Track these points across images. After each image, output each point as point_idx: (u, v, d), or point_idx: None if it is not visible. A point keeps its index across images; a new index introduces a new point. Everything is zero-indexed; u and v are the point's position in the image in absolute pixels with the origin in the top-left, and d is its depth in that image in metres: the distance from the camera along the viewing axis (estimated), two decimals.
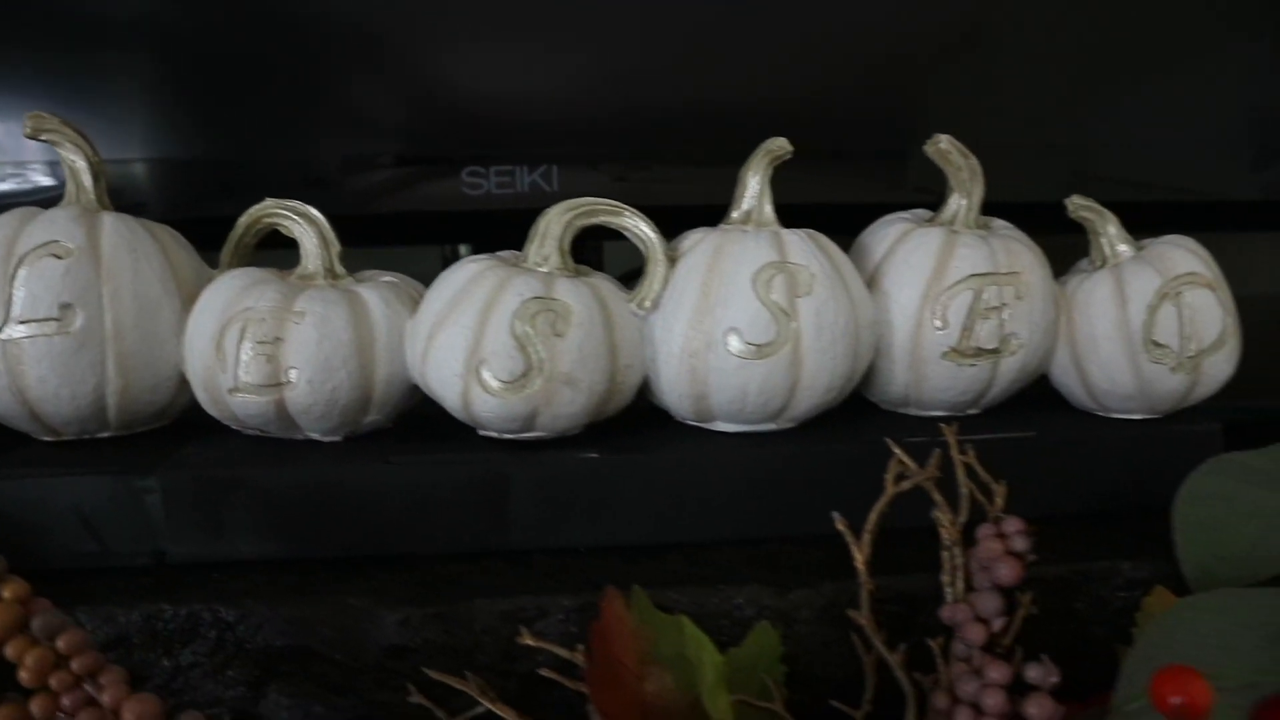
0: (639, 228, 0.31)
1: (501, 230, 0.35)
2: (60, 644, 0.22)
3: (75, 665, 0.22)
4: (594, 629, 0.24)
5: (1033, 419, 0.34)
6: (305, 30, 0.43)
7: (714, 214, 0.36)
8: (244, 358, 0.29)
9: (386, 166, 0.45)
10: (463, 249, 0.55)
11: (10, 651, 0.22)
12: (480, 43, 0.44)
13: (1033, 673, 0.25)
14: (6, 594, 0.23)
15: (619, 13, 0.44)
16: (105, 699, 0.22)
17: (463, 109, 0.45)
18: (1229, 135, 0.48)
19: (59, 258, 0.30)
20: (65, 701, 0.22)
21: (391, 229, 0.48)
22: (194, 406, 0.33)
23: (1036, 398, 0.35)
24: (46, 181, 0.43)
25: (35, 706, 0.22)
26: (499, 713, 0.25)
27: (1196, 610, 0.25)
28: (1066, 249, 0.37)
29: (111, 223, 0.31)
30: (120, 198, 0.34)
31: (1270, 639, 0.24)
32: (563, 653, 0.25)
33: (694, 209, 0.36)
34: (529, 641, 0.25)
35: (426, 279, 0.32)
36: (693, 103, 0.46)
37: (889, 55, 0.46)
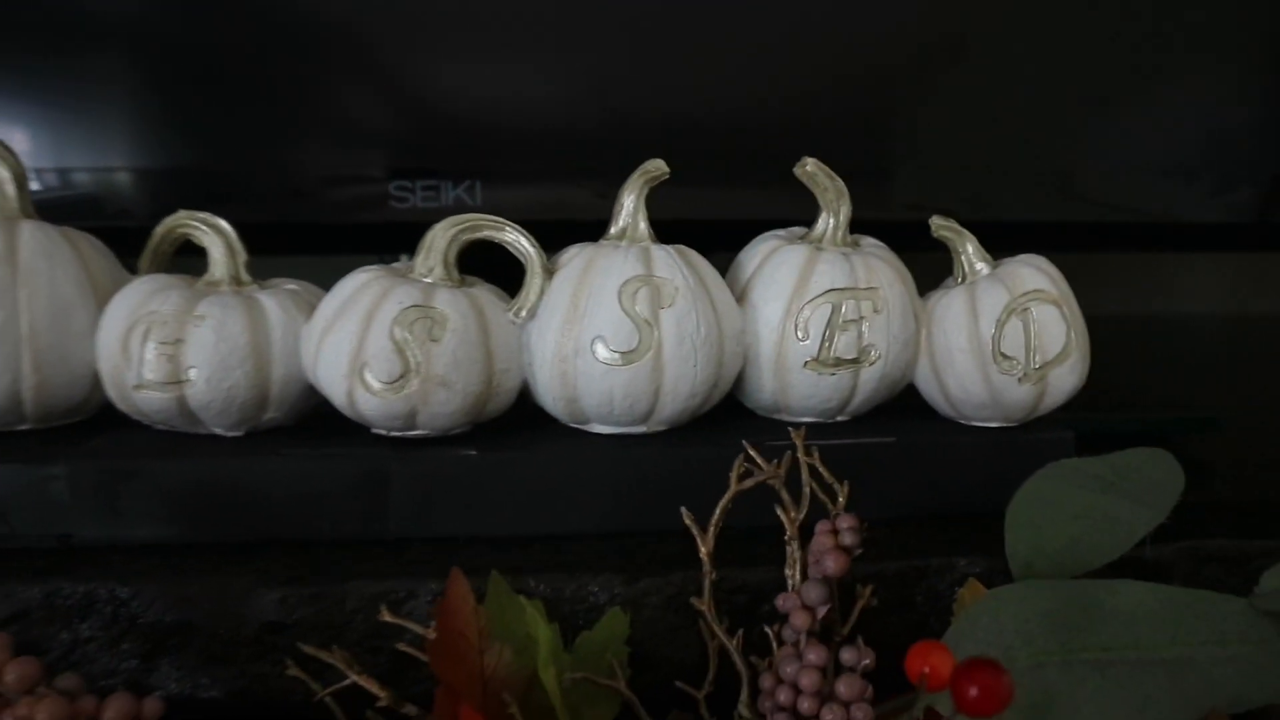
0: (519, 242, 0.34)
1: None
2: None
3: None
4: (440, 606, 0.27)
5: (897, 426, 0.36)
6: (283, 40, 0.46)
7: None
8: (148, 356, 0.32)
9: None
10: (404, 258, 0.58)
11: None
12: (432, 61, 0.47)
13: (846, 655, 0.27)
14: None
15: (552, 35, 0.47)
16: None
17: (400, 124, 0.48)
18: (1188, 159, 0.51)
19: None
20: None
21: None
22: (110, 402, 0.36)
23: (904, 407, 0.38)
24: None
25: None
26: (363, 684, 0.28)
27: (1000, 601, 0.28)
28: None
29: (30, 230, 0.34)
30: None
31: (1057, 625, 0.27)
32: (419, 630, 0.28)
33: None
34: (388, 618, 0.28)
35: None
36: (614, 123, 0.49)
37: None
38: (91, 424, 0.36)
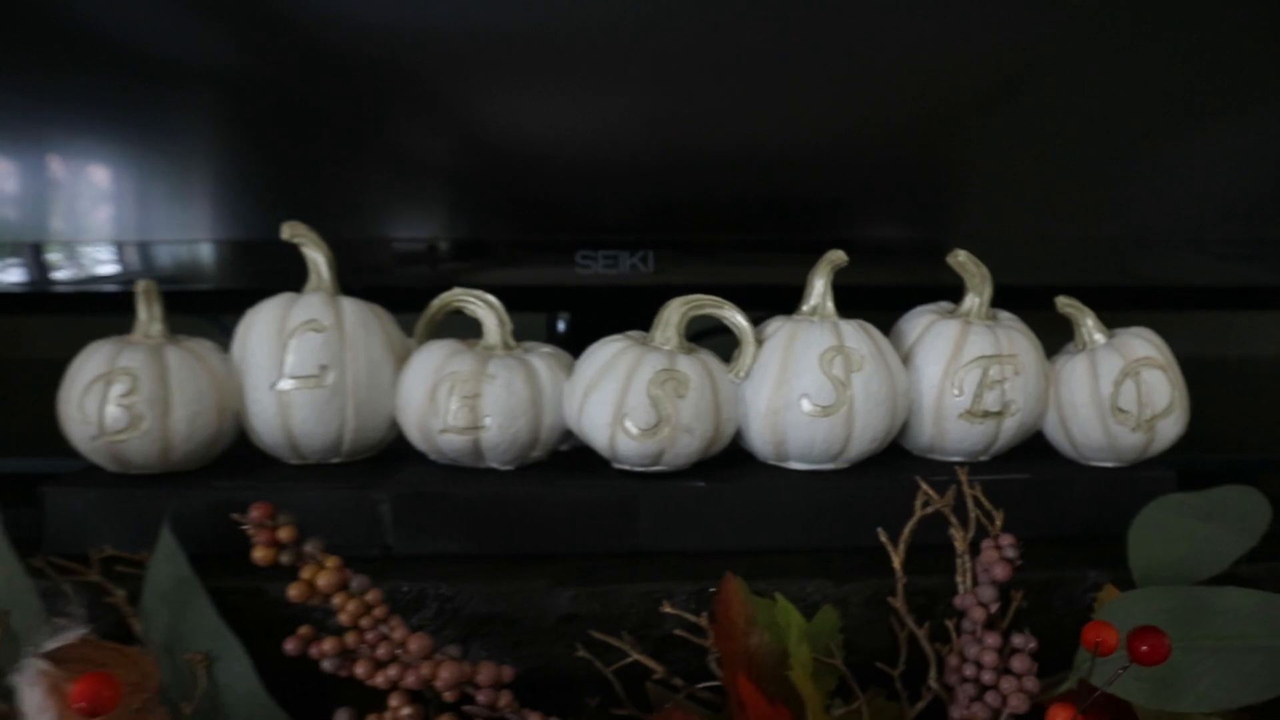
0: (734, 318, 0.44)
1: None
2: (368, 598, 0.35)
3: (376, 612, 0.35)
4: (718, 598, 0.36)
5: (1029, 464, 0.46)
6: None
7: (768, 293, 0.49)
8: (452, 407, 0.42)
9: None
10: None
11: (336, 601, 0.35)
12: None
13: (1016, 640, 0.37)
14: (329, 564, 0.35)
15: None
16: (396, 635, 0.35)
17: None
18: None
19: (318, 331, 0.43)
20: (368, 636, 0.35)
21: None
22: (395, 441, 0.46)
23: (1034, 449, 0.47)
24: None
25: (350, 639, 0.35)
26: (644, 661, 0.38)
27: (1132, 600, 0.37)
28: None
29: (349, 304, 0.44)
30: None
31: (1177, 619, 0.36)
32: (690, 618, 0.37)
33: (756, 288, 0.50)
34: (668, 610, 0.37)
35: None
36: (758, 201, 0.59)
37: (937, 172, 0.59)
38: (382, 459, 0.46)
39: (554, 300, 0.64)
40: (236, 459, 0.45)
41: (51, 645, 0.28)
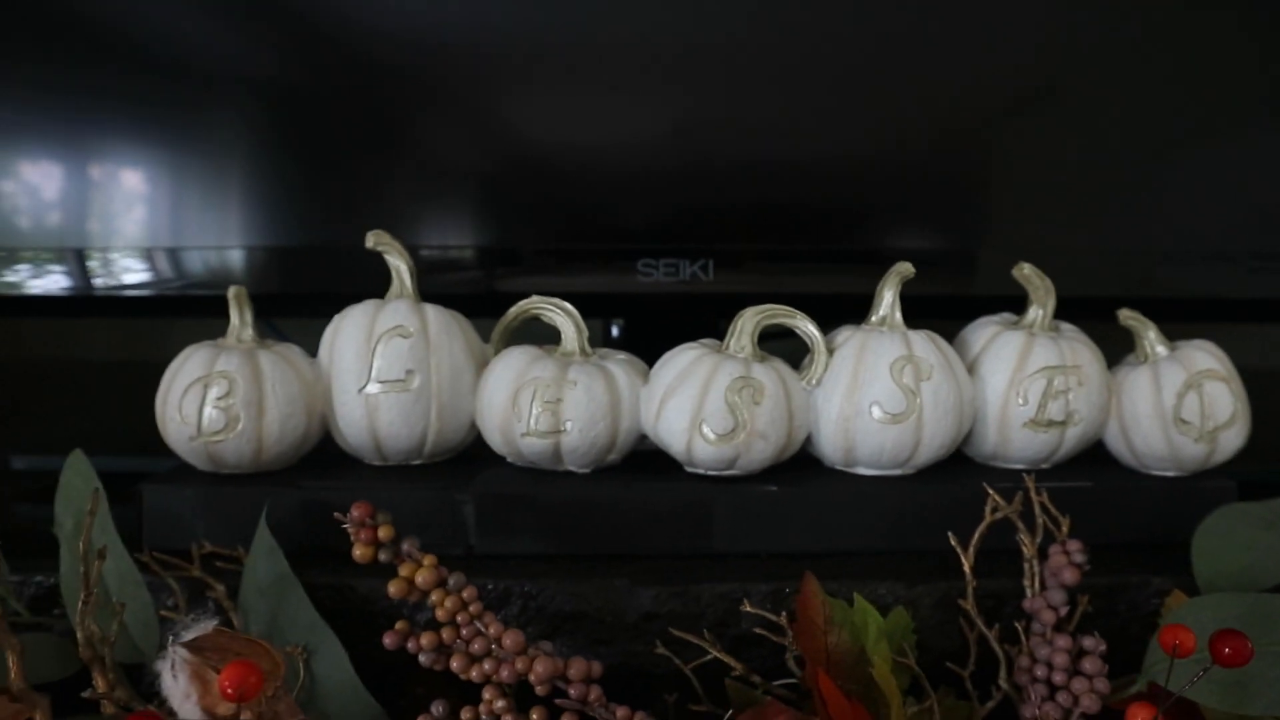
0: (806, 327, 0.45)
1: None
2: (464, 595, 0.37)
3: (472, 609, 0.37)
4: (799, 598, 0.38)
5: (1090, 473, 0.47)
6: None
7: (829, 301, 0.51)
8: (535, 412, 0.44)
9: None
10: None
11: (434, 598, 0.37)
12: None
13: (1087, 642, 0.38)
14: (426, 563, 0.37)
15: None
16: (490, 631, 0.37)
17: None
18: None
19: (404, 337, 0.45)
20: (463, 632, 0.37)
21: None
22: (473, 444, 0.48)
23: (1095, 457, 0.49)
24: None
25: (445, 634, 0.37)
26: (722, 658, 0.39)
27: (1200, 606, 0.39)
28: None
29: (433, 311, 0.46)
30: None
31: (1246, 625, 0.37)
32: (770, 617, 0.39)
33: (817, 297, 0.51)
34: (749, 609, 0.39)
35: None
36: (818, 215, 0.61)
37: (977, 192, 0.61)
38: (460, 461, 0.48)
39: (613, 308, 0.65)
40: (321, 460, 0.47)
41: (190, 635, 0.30)
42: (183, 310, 0.63)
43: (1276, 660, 0.37)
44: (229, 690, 0.27)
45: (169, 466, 0.47)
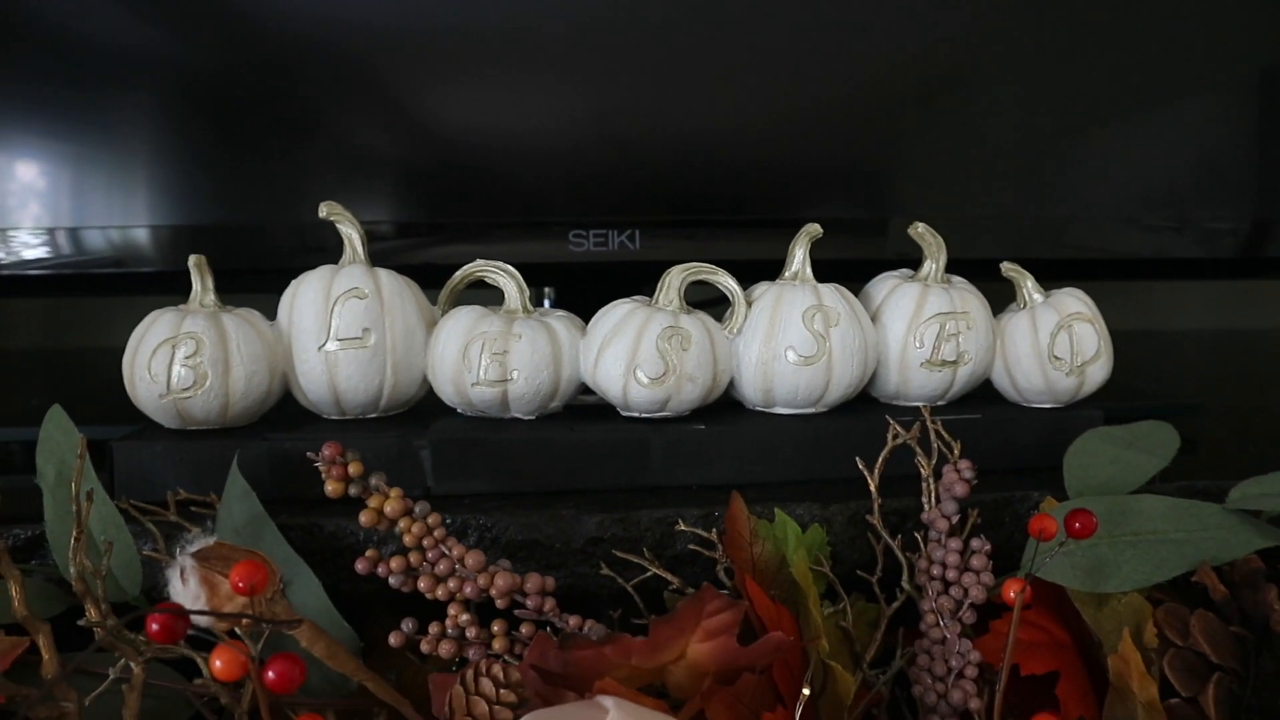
0: (726, 282, 0.52)
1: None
2: (429, 521, 0.42)
3: (436, 534, 0.42)
4: (727, 514, 0.44)
5: (980, 407, 0.55)
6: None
7: (746, 265, 0.58)
8: (484, 363, 0.49)
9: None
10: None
11: (401, 525, 0.42)
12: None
13: (974, 543, 0.46)
14: (393, 494, 0.43)
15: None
16: (454, 553, 0.42)
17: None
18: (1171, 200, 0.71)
19: (360, 299, 0.50)
20: (429, 555, 0.42)
21: None
22: (424, 400, 0.53)
23: (984, 395, 0.56)
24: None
25: (412, 558, 0.42)
26: (661, 574, 0.46)
27: (1068, 506, 0.46)
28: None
29: (385, 275, 0.51)
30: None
31: (1104, 520, 0.45)
32: (703, 534, 0.45)
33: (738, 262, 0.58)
34: (683, 528, 0.45)
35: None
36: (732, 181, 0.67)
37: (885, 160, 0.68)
38: (414, 414, 0.53)
39: (548, 276, 0.71)
40: (283, 415, 0.52)
41: (196, 546, 0.34)
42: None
43: (1127, 547, 0.44)
44: (240, 584, 0.31)
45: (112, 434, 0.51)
